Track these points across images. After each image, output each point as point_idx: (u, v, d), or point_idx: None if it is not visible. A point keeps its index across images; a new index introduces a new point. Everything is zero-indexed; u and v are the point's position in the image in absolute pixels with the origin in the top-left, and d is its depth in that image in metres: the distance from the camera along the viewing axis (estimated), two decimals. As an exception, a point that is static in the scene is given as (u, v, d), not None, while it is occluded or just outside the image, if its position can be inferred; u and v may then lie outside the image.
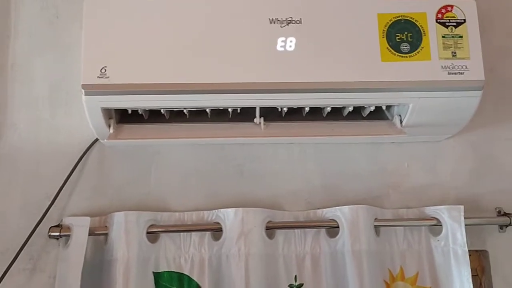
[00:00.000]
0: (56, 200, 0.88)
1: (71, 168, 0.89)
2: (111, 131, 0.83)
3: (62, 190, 0.88)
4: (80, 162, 0.90)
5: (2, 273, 0.82)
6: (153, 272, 0.85)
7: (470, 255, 0.94)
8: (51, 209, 0.87)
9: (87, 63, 0.77)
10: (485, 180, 0.96)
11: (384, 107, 0.86)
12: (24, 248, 0.84)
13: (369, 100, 0.82)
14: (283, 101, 0.81)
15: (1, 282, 0.82)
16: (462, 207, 0.88)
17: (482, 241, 0.94)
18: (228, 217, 0.86)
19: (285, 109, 0.86)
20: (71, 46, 0.94)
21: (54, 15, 0.96)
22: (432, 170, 0.96)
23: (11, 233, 0.87)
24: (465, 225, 0.89)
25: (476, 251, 0.94)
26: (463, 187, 0.96)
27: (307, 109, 0.86)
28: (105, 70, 0.76)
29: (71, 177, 0.89)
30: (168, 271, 0.86)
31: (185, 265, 0.87)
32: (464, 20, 0.82)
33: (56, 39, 0.95)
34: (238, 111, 0.85)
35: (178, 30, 0.79)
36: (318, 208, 0.92)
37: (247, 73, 0.79)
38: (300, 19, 0.80)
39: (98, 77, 0.76)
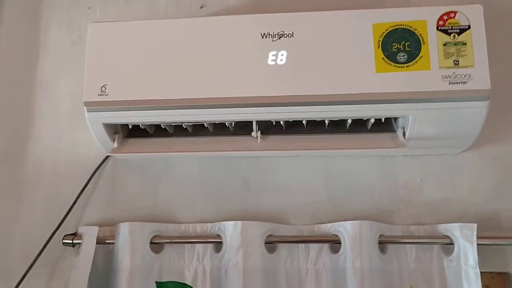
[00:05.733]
0: (73, 210, 0.94)
1: (87, 180, 0.95)
2: (115, 145, 0.87)
3: (78, 201, 0.94)
4: (95, 175, 0.96)
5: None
6: (156, 281, 0.88)
7: (492, 278, 0.87)
8: (68, 218, 0.93)
9: (89, 81, 0.82)
10: (507, 196, 0.88)
11: (383, 120, 0.83)
12: (44, 255, 0.91)
13: (365, 113, 0.80)
14: (276, 114, 0.81)
15: (21, 285, 0.89)
16: (475, 225, 0.82)
17: (505, 262, 0.87)
18: (228, 229, 0.87)
19: (282, 122, 0.85)
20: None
21: (77, 36, 1.04)
22: (448, 185, 0.90)
23: (35, 239, 0.93)
24: (484, 245, 0.83)
25: (499, 273, 0.87)
26: (482, 204, 0.89)
27: (305, 122, 0.85)
28: (105, 88, 0.81)
29: (87, 188, 0.95)
30: (172, 281, 0.89)
31: (188, 276, 0.89)
32: (469, 26, 0.77)
33: (78, 59, 1.01)
34: (233, 125, 0.86)
35: (173, 47, 0.81)
36: (323, 223, 0.90)
37: (239, 88, 0.79)
38: (292, 32, 0.79)
39: (98, 94, 0.81)
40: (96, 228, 0.89)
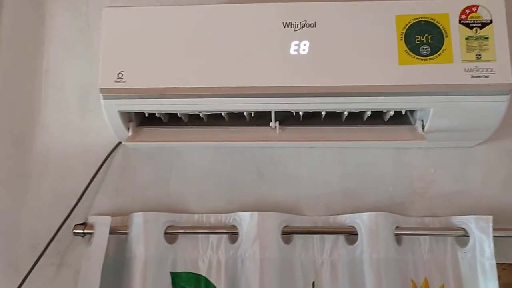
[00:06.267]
0: (82, 199, 0.92)
1: (96, 169, 0.93)
2: (130, 133, 0.86)
3: (88, 190, 0.92)
4: (105, 163, 0.94)
5: (31, 265, 0.87)
6: (170, 272, 0.87)
7: (504, 269, 0.89)
8: (78, 207, 0.91)
9: (105, 68, 0.80)
10: (520, 189, 0.90)
11: (403, 112, 0.83)
12: (52, 244, 0.89)
13: (387, 105, 0.80)
14: (297, 105, 0.81)
15: (31, 275, 0.87)
16: (491, 217, 0.83)
17: (516, 254, 0.89)
18: (244, 220, 0.87)
19: (301, 113, 0.85)
20: (100, 52, 0.97)
21: (85, 22, 1.01)
22: (461, 177, 0.91)
23: (42, 228, 0.91)
24: (497, 237, 0.84)
25: (510, 264, 0.88)
26: (495, 196, 0.90)
27: (323, 113, 0.85)
28: (122, 75, 0.79)
29: (97, 177, 0.93)
30: (186, 272, 0.88)
31: (202, 267, 0.88)
32: (491, 20, 0.77)
33: (86, 45, 0.99)
34: (252, 115, 0.85)
35: (193, 35, 0.80)
36: (338, 214, 0.90)
37: (260, 77, 0.78)
38: (315, 22, 0.79)
39: (115, 81, 0.79)
40: (109, 218, 0.88)
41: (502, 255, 0.86)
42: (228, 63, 0.79)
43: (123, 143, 0.91)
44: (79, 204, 0.91)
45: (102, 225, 0.87)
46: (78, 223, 0.91)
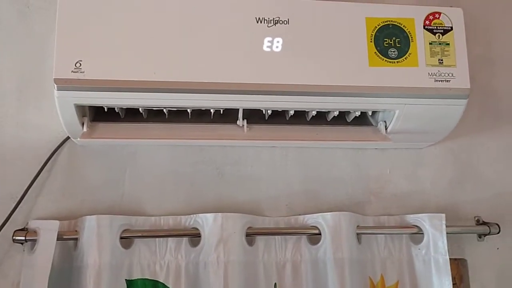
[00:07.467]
0: (22, 202, 0.82)
1: (39, 168, 0.84)
2: (85, 129, 0.78)
3: (29, 191, 0.83)
4: (49, 161, 0.85)
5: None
6: (126, 279, 0.81)
7: (448, 264, 0.93)
8: (16, 211, 0.82)
9: (60, 56, 0.72)
10: (465, 188, 0.96)
11: (370, 113, 0.84)
12: (-17, 252, 0.79)
13: (355, 105, 0.80)
14: (267, 103, 0.79)
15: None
16: (443, 215, 0.88)
17: (461, 249, 0.94)
18: (207, 222, 0.83)
19: (269, 111, 0.83)
20: (42, 38, 0.88)
21: (24, 4, 0.90)
22: (413, 177, 0.95)
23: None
24: (449, 233, 0.88)
25: (455, 259, 0.93)
26: (443, 195, 0.95)
27: (291, 112, 0.84)
28: (80, 65, 0.72)
29: (39, 177, 0.84)
30: (142, 279, 0.82)
31: (160, 272, 0.83)
32: (451, 27, 0.81)
33: (27, 29, 0.89)
34: (221, 112, 0.82)
35: (160, 25, 0.75)
36: (299, 214, 0.89)
37: (230, 73, 0.75)
38: (288, 19, 0.77)
39: (72, 71, 0.71)
40: (56, 223, 0.79)
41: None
42: (197, 57, 0.75)
43: (76, 139, 0.83)
44: (18, 207, 0.82)
45: (48, 230, 0.79)
46: (15, 228, 0.81)
